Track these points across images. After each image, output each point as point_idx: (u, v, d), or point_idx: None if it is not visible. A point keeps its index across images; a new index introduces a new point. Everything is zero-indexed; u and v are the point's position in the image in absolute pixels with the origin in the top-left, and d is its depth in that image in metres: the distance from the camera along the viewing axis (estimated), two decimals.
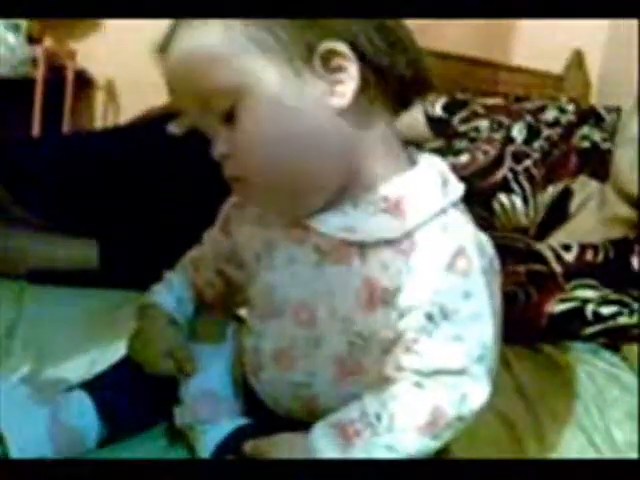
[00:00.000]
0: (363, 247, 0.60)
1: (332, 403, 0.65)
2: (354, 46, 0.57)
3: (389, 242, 0.59)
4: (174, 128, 1.18)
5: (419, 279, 0.58)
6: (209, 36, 0.58)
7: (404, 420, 0.61)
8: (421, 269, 0.58)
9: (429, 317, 0.59)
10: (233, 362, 0.75)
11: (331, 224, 0.61)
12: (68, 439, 0.70)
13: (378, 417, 0.61)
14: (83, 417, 0.72)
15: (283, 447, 0.65)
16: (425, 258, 0.58)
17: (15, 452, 0.66)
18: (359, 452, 0.61)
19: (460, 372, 0.60)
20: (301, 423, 0.67)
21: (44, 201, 1.18)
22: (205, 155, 1.18)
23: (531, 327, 1.07)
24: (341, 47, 0.57)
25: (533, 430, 0.88)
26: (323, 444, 0.62)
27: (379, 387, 0.63)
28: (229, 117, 0.58)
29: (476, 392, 0.61)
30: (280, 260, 0.65)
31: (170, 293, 0.79)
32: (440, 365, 0.60)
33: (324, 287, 0.62)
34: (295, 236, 0.64)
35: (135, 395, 0.75)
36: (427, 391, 0.61)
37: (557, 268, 1.06)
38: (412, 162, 0.64)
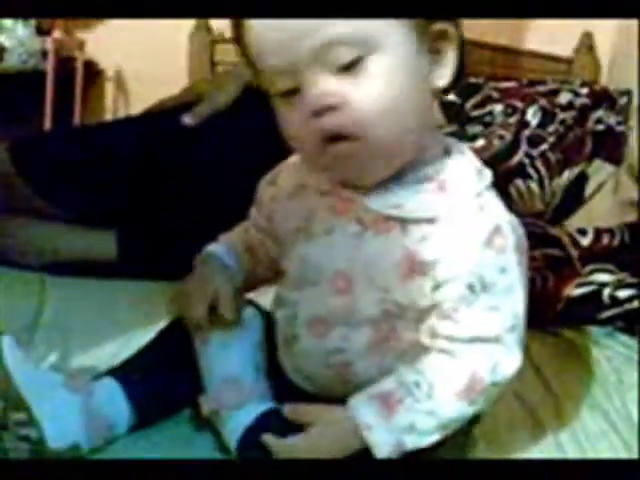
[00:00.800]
0: (405, 221, 0.64)
1: (365, 370, 0.68)
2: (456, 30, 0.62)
3: (432, 220, 0.63)
4: (188, 119, 1.19)
5: (459, 253, 0.63)
6: None
7: (443, 386, 0.64)
8: (461, 244, 0.63)
9: (470, 288, 0.63)
10: (254, 346, 0.76)
11: (378, 200, 0.64)
12: (100, 425, 0.72)
13: (417, 384, 0.64)
14: (113, 404, 0.73)
15: (323, 415, 0.67)
16: (465, 234, 0.63)
17: (50, 438, 0.67)
18: (401, 419, 0.64)
19: (495, 340, 0.64)
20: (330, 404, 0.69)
21: (62, 193, 1.19)
22: (220, 145, 1.19)
23: (548, 311, 1.08)
24: (451, 30, 0.62)
25: (553, 412, 0.89)
26: (364, 413, 0.64)
27: (413, 356, 0.66)
28: (348, 68, 0.60)
29: (509, 360, 0.65)
30: (319, 231, 0.68)
31: (224, 246, 0.81)
32: (477, 333, 0.64)
33: (363, 256, 0.65)
34: (338, 208, 0.67)
35: (163, 379, 0.76)
36: (464, 358, 0.64)
37: (573, 252, 1.07)
38: (447, 147, 0.68)
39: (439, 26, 0.62)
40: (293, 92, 0.62)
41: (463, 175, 0.65)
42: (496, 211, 0.65)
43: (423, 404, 0.64)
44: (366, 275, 0.65)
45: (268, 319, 0.78)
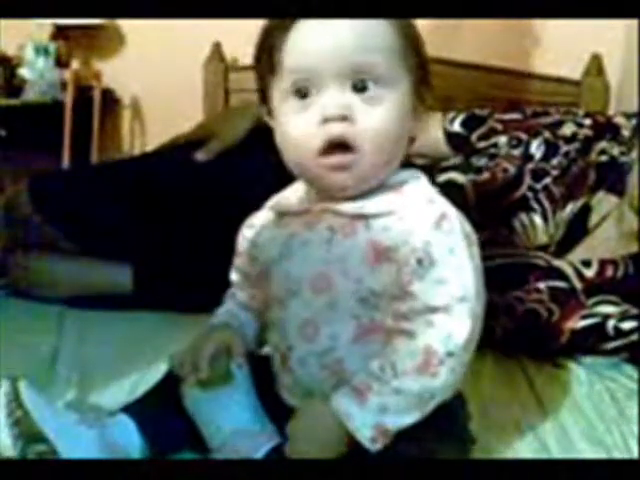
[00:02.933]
0: (367, 218, 0.74)
1: (356, 365, 0.74)
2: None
3: (390, 213, 0.73)
4: (201, 155, 1.23)
5: (412, 236, 0.72)
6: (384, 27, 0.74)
7: (403, 364, 0.70)
8: (414, 228, 0.72)
9: (419, 262, 0.71)
10: (251, 391, 0.81)
11: (344, 206, 0.75)
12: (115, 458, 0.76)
13: (382, 369, 0.71)
14: (127, 439, 0.77)
15: (308, 412, 0.73)
16: (417, 220, 0.72)
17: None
18: (373, 402, 0.70)
19: (445, 310, 0.70)
20: None
21: (79, 228, 1.23)
22: (231, 180, 1.23)
23: (553, 343, 1.10)
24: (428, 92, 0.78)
25: (561, 443, 0.90)
26: (342, 402, 0.71)
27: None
28: (363, 90, 0.72)
29: (459, 330, 0.70)
30: (296, 248, 0.77)
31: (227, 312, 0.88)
32: (428, 303, 0.71)
33: (336, 256, 0.74)
34: (311, 222, 0.76)
35: (175, 415, 0.80)
36: (418, 334, 0.71)
37: (578, 284, 1.09)
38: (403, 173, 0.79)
39: (423, 92, 0.77)
40: (308, 94, 0.73)
41: (416, 182, 0.77)
42: (444, 203, 0.75)
43: (389, 385, 0.70)
44: (341, 270, 0.74)
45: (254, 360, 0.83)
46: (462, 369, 0.73)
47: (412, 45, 0.75)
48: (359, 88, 0.72)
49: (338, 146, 0.72)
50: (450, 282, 0.71)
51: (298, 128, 0.73)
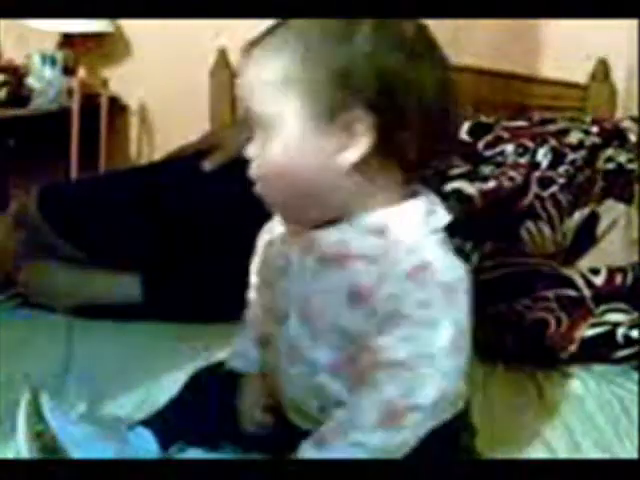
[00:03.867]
0: (349, 258, 0.72)
1: (337, 393, 0.74)
2: (375, 118, 0.67)
3: (367, 257, 0.71)
4: (208, 164, 1.23)
5: (385, 285, 0.69)
6: (272, 66, 0.70)
7: (363, 417, 0.69)
8: (387, 277, 0.69)
9: (387, 316, 0.69)
10: None
11: (330, 238, 0.73)
12: None
13: (344, 421, 0.70)
14: (147, 452, 0.78)
15: None
16: (392, 269, 0.69)
17: None
18: (335, 453, 0.70)
19: (404, 365, 0.68)
20: None
21: (86, 236, 1.24)
22: (239, 190, 1.23)
23: (562, 352, 1.09)
24: (364, 119, 0.68)
25: (572, 452, 0.90)
26: (305, 453, 0.71)
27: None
28: (265, 126, 0.71)
29: (424, 386, 0.69)
30: (292, 268, 0.76)
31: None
32: (390, 357, 0.69)
33: (320, 289, 0.73)
34: (305, 247, 0.75)
35: (194, 427, 0.81)
36: (379, 385, 0.69)
37: (586, 292, 1.09)
38: (406, 197, 0.73)
39: (350, 116, 0.68)
40: None
41: (404, 222, 0.72)
42: (427, 249, 0.70)
43: (349, 437, 0.69)
44: (322, 303, 0.73)
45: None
46: (433, 422, 0.71)
47: (311, 72, 0.68)
48: (258, 132, 0.72)
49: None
50: (417, 339, 0.68)
51: None
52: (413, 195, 0.74)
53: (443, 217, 0.74)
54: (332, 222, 0.73)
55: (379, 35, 0.69)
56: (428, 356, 0.68)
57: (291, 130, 0.69)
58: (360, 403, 0.70)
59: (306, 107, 0.69)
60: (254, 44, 0.72)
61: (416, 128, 0.69)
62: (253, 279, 0.87)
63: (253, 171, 0.74)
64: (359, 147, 0.69)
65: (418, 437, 0.71)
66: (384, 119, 0.68)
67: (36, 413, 0.74)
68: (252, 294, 0.89)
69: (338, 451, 0.70)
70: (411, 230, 0.71)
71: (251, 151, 0.73)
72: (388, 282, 0.69)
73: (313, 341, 0.74)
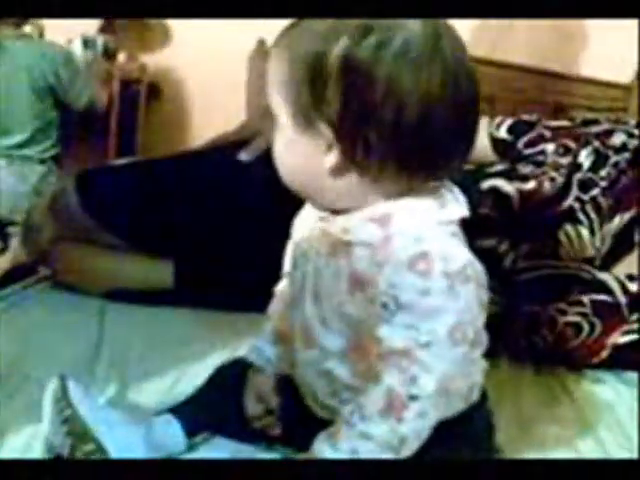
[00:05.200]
0: (351, 245, 0.72)
1: (346, 378, 0.75)
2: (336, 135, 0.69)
3: (369, 244, 0.71)
4: (245, 155, 1.23)
5: (384, 273, 0.69)
6: (280, 64, 0.71)
7: (369, 408, 0.70)
8: (387, 265, 0.69)
9: (384, 306, 0.69)
10: None
11: (337, 224, 0.74)
12: (160, 456, 0.78)
13: (352, 412, 0.71)
14: (173, 439, 0.80)
15: None
16: (392, 256, 0.69)
17: None
18: (344, 445, 0.71)
19: (405, 354, 0.69)
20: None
21: (122, 222, 1.24)
22: (274, 179, 1.23)
23: (593, 358, 1.08)
24: (326, 134, 0.69)
25: (597, 454, 0.90)
26: (318, 449, 0.72)
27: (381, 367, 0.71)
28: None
29: (425, 376, 0.69)
30: (311, 252, 0.77)
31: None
32: (389, 346, 0.69)
33: (328, 274, 0.74)
34: (323, 232, 0.76)
35: (220, 416, 0.82)
36: (382, 375, 0.70)
37: (622, 299, 1.07)
38: (415, 191, 0.72)
39: (318, 127, 0.69)
40: None
41: (408, 211, 0.71)
42: (429, 240, 0.70)
43: (356, 429, 0.70)
44: (328, 290, 0.74)
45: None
46: (438, 413, 0.71)
47: (304, 76, 0.68)
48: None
49: None
50: (417, 327, 0.69)
51: None
52: (425, 190, 0.73)
53: (456, 211, 0.73)
54: (343, 210, 0.74)
55: (357, 47, 0.67)
56: (428, 345, 0.68)
57: (283, 130, 0.72)
58: (365, 393, 0.71)
59: (290, 111, 0.71)
60: (275, 42, 0.73)
61: (391, 142, 0.68)
62: (286, 267, 0.88)
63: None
64: (330, 157, 0.70)
65: (425, 430, 0.71)
66: (346, 137, 0.68)
67: (64, 398, 0.75)
68: (280, 285, 0.89)
69: (347, 444, 0.71)
70: (415, 221, 0.71)
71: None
72: (388, 270, 0.69)
73: (323, 326, 0.75)
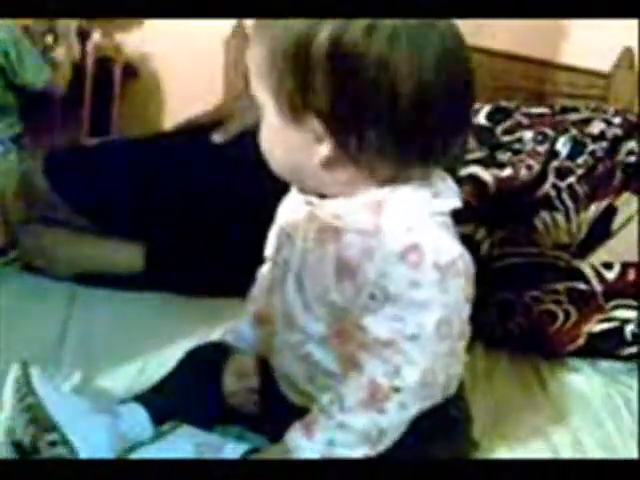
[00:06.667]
0: (341, 231, 0.71)
1: (325, 363, 0.74)
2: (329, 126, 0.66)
3: (359, 231, 0.70)
4: (218, 137, 1.21)
5: (373, 263, 0.68)
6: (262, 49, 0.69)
7: (349, 398, 0.69)
8: (377, 254, 0.68)
9: (372, 297, 0.68)
10: None
11: (326, 209, 0.72)
12: (126, 446, 0.75)
13: (331, 402, 0.70)
14: (140, 427, 0.77)
15: (267, 455, 0.74)
16: (383, 245, 0.68)
17: (82, 457, 0.71)
18: (321, 436, 0.70)
19: (390, 345, 0.68)
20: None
21: (94, 205, 1.21)
22: (248, 162, 1.21)
23: (569, 346, 1.08)
24: (318, 127, 0.67)
25: (574, 449, 0.89)
26: (292, 436, 0.71)
27: (364, 353, 0.71)
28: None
29: (408, 368, 0.68)
30: (295, 235, 0.76)
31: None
32: (374, 336, 0.69)
33: (314, 259, 0.73)
34: (309, 217, 0.74)
35: (188, 405, 0.80)
36: (365, 365, 0.69)
37: (597, 287, 1.06)
38: (409, 179, 0.70)
39: (309, 119, 0.67)
40: None
41: (401, 200, 0.70)
42: (422, 231, 0.68)
43: (335, 419, 0.69)
44: (312, 275, 0.73)
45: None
46: (418, 406, 0.71)
47: (287, 67, 0.66)
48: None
49: None
50: (404, 319, 0.68)
51: None
52: (418, 178, 0.71)
53: (449, 201, 0.72)
54: (333, 194, 0.72)
55: (345, 30, 0.64)
56: (414, 337, 0.68)
57: (269, 120, 0.70)
58: (346, 383, 0.70)
59: (275, 101, 0.68)
60: (255, 27, 0.71)
61: (386, 131, 0.66)
62: (268, 250, 0.86)
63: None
64: (322, 149, 0.68)
65: (404, 422, 0.71)
66: (339, 128, 0.66)
67: (26, 385, 0.72)
68: (263, 268, 0.88)
69: (323, 434, 0.70)
70: (408, 211, 0.70)
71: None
72: (378, 259, 0.68)
73: (305, 311, 0.74)
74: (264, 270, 0.88)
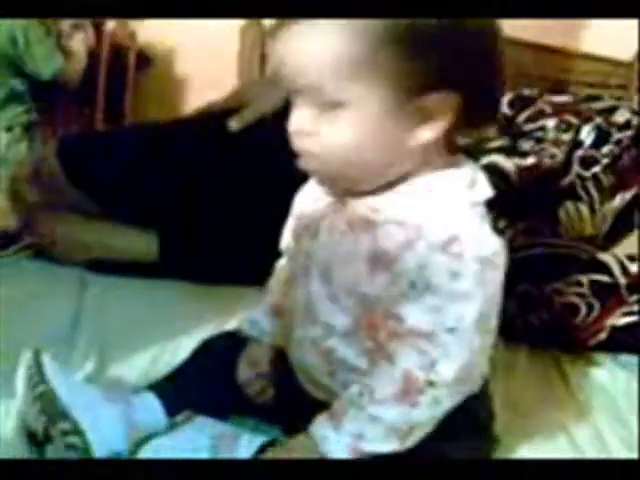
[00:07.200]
0: (378, 222, 0.69)
1: (347, 357, 0.72)
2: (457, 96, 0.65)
3: (398, 222, 0.68)
4: (234, 124, 1.19)
5: (414, 252, 0.67)
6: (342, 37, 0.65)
7: (382, 391, 0.67)
8: (418, 244, 0.67)
9: (412, 285, 0.67)
10: None
11: (362, 203, 0.70)
12: (139, 436, 0.74)
13: (361, 394, 0.68)
14: (153, 417, 0.75)
15: (292, 447, 0.72)
16: (423, 237, 0.67)
17: (95, 447, 0.69)
18: (350, 428, 0.68)
19: (429, 337, 0.66)
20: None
21: (107, 191, 1.20)
22: (263, 149, 1.19)
23: (591, 339, 1.05)
24: (447, 101, 0.65)
25: (595, 445, 0.88)
26: (319, 426, 0.69)
27: (390, 347, 0.69)
28: (329, 108, 0.66)
29: (445, 361, 0.66)
30: (319, 228, 0.74)
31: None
32: (412, 327, 0.67)
33: (343, 251, 0.71)
34: (337, 209, 0.72)
35: (201, 395, 0.79)
36: (399, 358, 0.67)
37: (621, 279, 1.04)
38: (449, 165, 0.70)
39: (432, 98, 0.65)
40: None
41: (441, 188, 0.69)
42: (461, 221, 0.68)
43: (366, 411, 0.67)
44: (342, 267, 0.71)
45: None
46: (451, 401, 0.69)
47: (395, 50, 0.64)
48: (317, 106, 0.66)
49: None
50: (444, 311, 0.66)
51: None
52: (456, 165, 0.71)
53: (485, 191, 0.70)
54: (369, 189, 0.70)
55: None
56: (454, 330, 0.66)
57: (362, 110, 0.66)
58: (377, 374, 0.68)
59: (381, 89, 0.65)
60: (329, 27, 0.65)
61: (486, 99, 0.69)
62: (284, 243, 0.84)
63: (304, 146, 0.68)
64: (437, 126, 0.66)
65: (436, 417, 0.69)
66: (466, 97, 0.66)
67: (38, 374, 0.71)
68: (282, 260, 0.86)
69: (353, 426, 0.68)
70: (449, 200, 0.69)
71: (300, 125, 0.68)
72: (418, 250, 0.66)
73: (331, 303, 0.72)
74: (281, 263, 0.86)
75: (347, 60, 0.64)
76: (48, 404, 0.70)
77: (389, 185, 0.69)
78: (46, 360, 0.72)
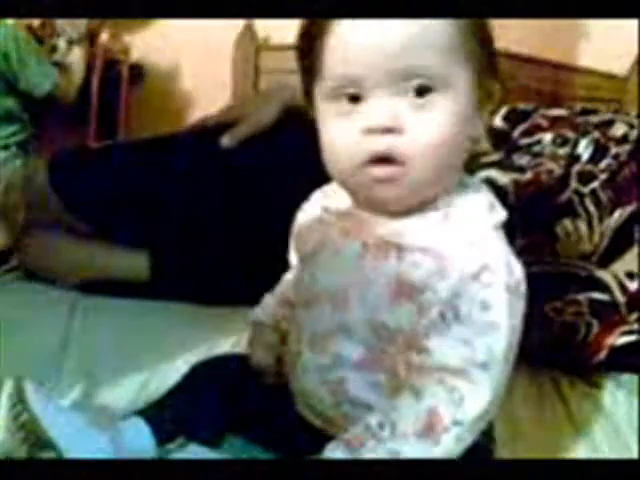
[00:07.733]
0: (401, 248, 0.66)
1: (357, 389, 0.69)
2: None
3: (425, 249, 0.65)
4: (227, 140, 1.17)
5: (442, 283, 0.64)
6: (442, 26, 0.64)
7: (404, 425, 0.63)
8: (446, 274, 0.64)
9: (442, 315, 0.64)
10: None
11: (383, 225, 0.67)
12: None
13: (381, 426, 0.64)
14: (141, 444, 0.73)
15: None
16: (452, 266, 0.64)
17: None
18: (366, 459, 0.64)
19: (460, 373, 0.63)
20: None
21: (97, 211, 1.18)
22: (257, 167, 1.17)
23: (590, 360, 1.03)
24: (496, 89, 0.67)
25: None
26: (333, 455, 0.65)
27: (405, 379, 0.66)
28: (416, 97, 0.63)
29: (475, 398, 0.63)
30: (329, 252, 0.71)
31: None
32: (441, 361, 0.64)
33: (360, 277, 0.67)
34: (348, 230, 0.69)
35: (191, 420, 0.76)
36: (425, 393, 0.64)
37: (620, 298, 1.02)
38: (462, 182, 0.69)
39: (490, 86, 0.66)
40: (355, 100, 0.64)
41: (467, 212, 0.67)
42: (491, 248, 0.65)
43: (385, 445, 0.64)
44: (360, 294, 0.68)
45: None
46: (473, 438, 0.65)
47: (474, 34, 0.65)
48: (410, 93, 0.63)
49: (385, 158, 0.64)
50: (474, 344, 0.63)
51: (341, 136, 0.65)
52: (472, 186, 0.69)
53: (502, 212, 0.68)
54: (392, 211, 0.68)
55: None
56: (483, 364, 0.63)
57: (456, 91, 0.63)
58: (400, 409, 0.64)
59: (474, 75, 0.65)
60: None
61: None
62: (291, 260, 0.82)
63: (393, 146, 0.63)
64: (482, 121, 0.67)
65: (455, 454, 0.65)
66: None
67: (20, 402, 0.68)
68: (286, 276, 0.85)
69: (371, 457, 0.64)
70: (475, 225, 0.66)
71: (390, 122, 0.63)
72: (448, 279, 0.63)
73: (343, 333, 0.69)
74: (283, 287, 0.84)
75: (448, 41, 0.63)
76: (31, 433, 0.68)
77: (418, 206, 0.66)
78: (29, 387, 0.70)
